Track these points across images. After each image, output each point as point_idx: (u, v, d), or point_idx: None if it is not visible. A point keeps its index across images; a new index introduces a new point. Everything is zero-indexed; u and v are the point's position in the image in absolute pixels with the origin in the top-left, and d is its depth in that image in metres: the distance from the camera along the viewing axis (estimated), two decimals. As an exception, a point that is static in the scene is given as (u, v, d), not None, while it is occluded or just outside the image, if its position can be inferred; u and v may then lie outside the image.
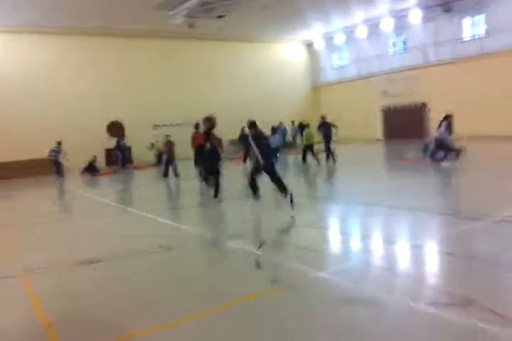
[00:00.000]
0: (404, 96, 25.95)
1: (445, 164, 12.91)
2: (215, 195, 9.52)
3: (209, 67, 27.62)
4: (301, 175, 15.10)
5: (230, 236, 6.45)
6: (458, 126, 23.47)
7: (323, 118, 18.15)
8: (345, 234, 6.54)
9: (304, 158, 16.70)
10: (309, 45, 31.83)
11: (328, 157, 16.37)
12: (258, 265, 5.08)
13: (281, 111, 29.46)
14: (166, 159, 16.20)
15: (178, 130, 24.69)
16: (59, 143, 19.30)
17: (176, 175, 15.51)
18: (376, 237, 6.27)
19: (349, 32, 28.23)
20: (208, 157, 10.23)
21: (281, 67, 30.62)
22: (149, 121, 24.91)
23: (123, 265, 5.52)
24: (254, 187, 8.54)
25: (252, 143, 8.48)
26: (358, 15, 25.99)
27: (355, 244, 5.96)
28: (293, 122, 26.68)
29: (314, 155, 16.17)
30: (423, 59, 25.14)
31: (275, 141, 18.96)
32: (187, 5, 20.13)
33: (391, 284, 4.31)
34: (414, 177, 11.84)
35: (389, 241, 5.85)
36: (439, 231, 6.25)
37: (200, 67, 27.25)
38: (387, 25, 26.14)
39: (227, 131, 26.32)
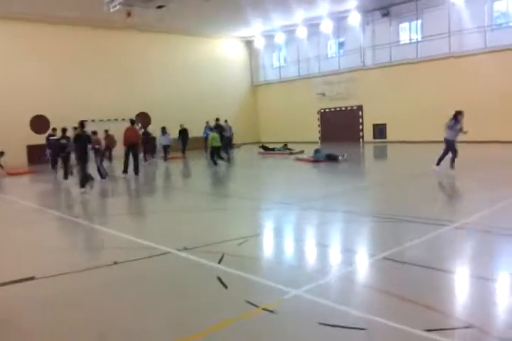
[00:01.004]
0: (341, 99, 26.26)
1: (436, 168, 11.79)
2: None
3: (146, 59, 26.37)
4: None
5: (182, 248, 5.73)
6: (390, 131, 24.38)
7: (217, 120, 19.83)
8: (305, 243, 6.08)
9: (213, 159, 16.64)
10: (249, 43, 31.39)
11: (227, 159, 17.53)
12: (225, 284, 4.45)
13: (219, 108, 28.77)
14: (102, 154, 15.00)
15: (112, 125, 23.49)
16: None
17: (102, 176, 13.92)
18: (338, 247, 5.86)
19: (289, 31, 28.12)
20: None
21: (220, 63, 29.91)
22: (80, 116, 23.16)
23: (64, 285, 4.68)
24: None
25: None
26: (298, 15, 25.89)
27: (322, 256, 5.52)
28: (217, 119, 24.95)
29: (218, 157, 16.67)
30: (361, 62, 25.54)
31: (164, 140, 21.19)
32: (125, -9, 18.83)
33: (373, 304, 3.87)
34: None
35: (352, 251, 5.46)
36: (406, 239, 5.95)
37: (136, 60, 25.95)
38: (327, 26, 26.31)
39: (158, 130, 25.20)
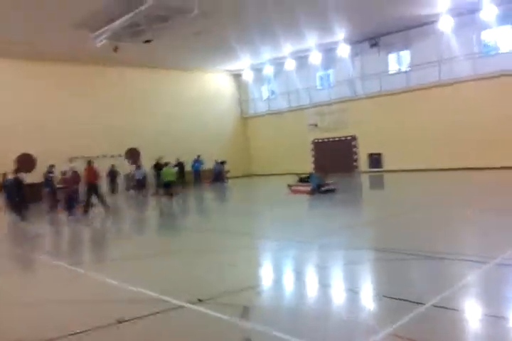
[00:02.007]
0: (333, 130, 25.99)
1: None
2: None
3: (134, 94, 25.97)
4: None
5: (196, 300, 4.92)
6: (386, 160, 24.03)
7: (157, 160, 21.41)
8: (335, 289, 5.32)
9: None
10: (238, 76, 31.30)
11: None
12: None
13: (209, 141, 28.39)
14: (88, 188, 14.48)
15: (102, 161, 22.83)
16: None
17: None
18: (374, 292, 5.09)
19: (278, 64, 28.12)
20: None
21: (210, 96, 29.69)
22: (69, 153, 22.44)
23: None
24: None
25: None
26: (287, 48, 25.91)
27: (362, 306, 4.75)
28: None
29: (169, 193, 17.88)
30: (351, 92, 25.45)
31: (139, 174, 22.55)
32: (113, 26, 18.50)
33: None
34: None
35: (395, 297, 4.71)
36: (449, 281, 5.24)
37: (124, 95, 25.56)
38: (316, 58, 26.35)
39: (148, 165, 24.53)
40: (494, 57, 20.44)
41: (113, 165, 23.45)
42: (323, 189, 15.40)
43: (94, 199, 14.66)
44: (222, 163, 25.95)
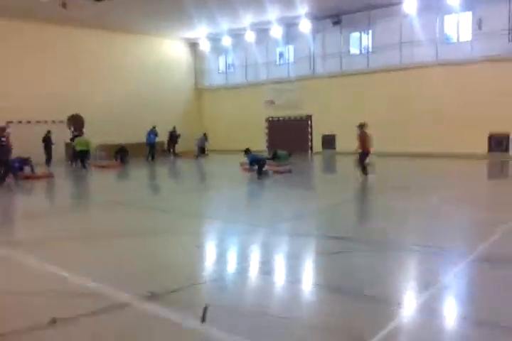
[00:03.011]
0: (289, 108, 25.46)
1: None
2: None
3: (80, 57, 24.07)
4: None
5: (147, 293, 4.28)
6: (340, 141, 23.91)
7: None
8: (315, 287, 4.85)
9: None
10: (194, 45, 29.92)
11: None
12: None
13: (161, 111, 27.14)
14: None
15: (42, 127, 21.36)
16: None
17: None
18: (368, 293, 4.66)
19: (237, 35, 27.01)
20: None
21: (163, 64, 28.13)
22: (4, 117, 20.61)
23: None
24: None
25: None
26: (247, 19, 24.85)
27: (359, 309, 4.30)
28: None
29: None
30: (310, 70, 24.93)
31: None
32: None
33: None
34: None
35: (391, 295, 4.29)
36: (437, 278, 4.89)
37: (70, 57, 23.59)
38: (276, 32, 25.49)
39: (95, 135, 23.21)
40: (455, 44, 20.42)
41: (48, 131, 20.85)
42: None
43: None
44: (205, 135, 25.55)
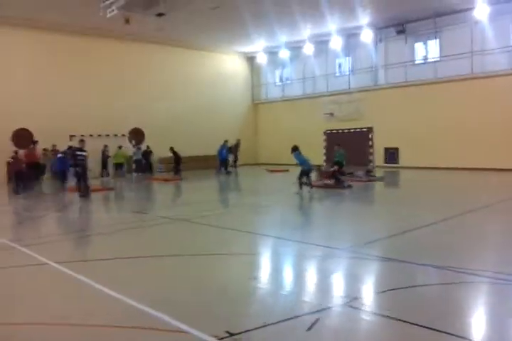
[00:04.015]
0: (349, 120, 24.55)
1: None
2: None
3: (141, 72, 24.47)
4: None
5: (224, 333, 3.67)
6: (403, 155, 22.73)
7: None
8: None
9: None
10: (251, 59, 29.79)
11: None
12: None
13: (217, 125, 27.09)
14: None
15: (107, 141, 21.77)
16: None
17: None
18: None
19: (295, 48, 26.58)
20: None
21: (220, 79, 28.17)
22: (70, 131, 21.09)
23: None
24: None
25: None
26: (305, 31, 24.42)
27: None
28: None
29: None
30: (372, 81, 23.99)
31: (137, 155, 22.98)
32: (125, -6, 17.08)
33: None
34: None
35: None
36: None
37: (131, 72, 24.00)
38: (336, 43, 24.83)
39: (156, 147, 23.47)
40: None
41: (105, 146, 21.72)
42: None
43: None
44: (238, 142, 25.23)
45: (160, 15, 20.18)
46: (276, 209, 10.97)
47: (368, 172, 16.00)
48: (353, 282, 5.18)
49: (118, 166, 21.68)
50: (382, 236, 7.37)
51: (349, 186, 14.45)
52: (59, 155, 15.86)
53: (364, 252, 6.31)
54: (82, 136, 19.86)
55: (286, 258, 6.46)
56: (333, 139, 25.46)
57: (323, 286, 5.04)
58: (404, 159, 22.54)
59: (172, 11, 19.70)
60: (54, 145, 20.26)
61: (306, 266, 5.97)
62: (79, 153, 12.98)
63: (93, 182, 15.64)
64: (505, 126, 18.88)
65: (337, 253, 6.35)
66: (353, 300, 4.37)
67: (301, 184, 13.22)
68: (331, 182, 14.86)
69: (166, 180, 19.72)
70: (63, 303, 4.61)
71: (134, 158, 22.88)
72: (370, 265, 5.82)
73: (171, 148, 21.75)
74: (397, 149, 22.95)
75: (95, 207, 12.34)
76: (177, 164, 21.69)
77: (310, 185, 13.40)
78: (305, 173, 13.37)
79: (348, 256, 6.20)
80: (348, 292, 4.76)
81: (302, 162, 13.40)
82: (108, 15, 18.96)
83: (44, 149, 20.38)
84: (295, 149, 13.52)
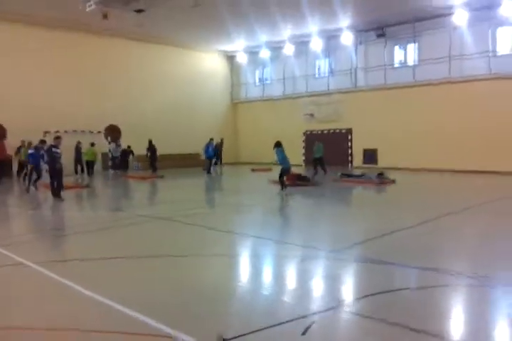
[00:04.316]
0: (328, 121, 24.66)
1: None
2: None
3: (119, 67, 24.03)
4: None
5: (218, 338, 3.51)
6: (381, 156, 22.92)
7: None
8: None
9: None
10: (231, 58, 29.62)
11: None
12: None
13: (195, 124, 26.86)
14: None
15: (83, 137, 21.26)
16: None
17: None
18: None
19: (275, 48, 26.54)
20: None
21: (199, 77, 27.92)
22: (47, 127, 20.52)
23: None
24: None
25: None
26: (286, 32, 24.42)
27: None
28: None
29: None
30: (351, 83, 24.14)
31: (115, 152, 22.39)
32: (103, -11, 16.69)
33: None
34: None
35: None
36: None
37: (108, 68, 23.54)
38: (316, 45, 24.89)
39: (133, 144, 23.09)
40: (509, 57, 19.31)
41: (78, 142, 20.67)
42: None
43: None
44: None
45: (139, 11, 19.84)
46: (258, 209, 10.84)
47: (380, 175, 15.81)
48: (339, 285, 5.09)
49: (89, 163, 20.88)
50: (362, 238, 7.32)
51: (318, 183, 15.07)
52: (30, 150, 15.22)
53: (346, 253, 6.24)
54: (57, 132, 19.47)
55: (272, 259, 6.33)
56: (313, 140, 25.54)
57: (309, 289, 4.94)
58: (382, 160, 22.73)
59: (152, 7, 19.43)
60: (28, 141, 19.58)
61: (288, 268, 5.87)
62: (54, 149, 12.47)
63: (68, 180, 15.21)
64: (483, 130, 19.22)
65: (322, 255, 6.26)
66: (341, 303, 4.28)
67: (282, 183, 13.11)
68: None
69: (143, 178, 19.37)
70: (39, 305, 4.38)
71: (113, 154, 22.40)
72: (349, 267, 5.75)
73: (150, 141, 21.77)
74: (375, 150, 23.14)
75: (69, 205, 11.96)
76: (153, 158, 21.49)
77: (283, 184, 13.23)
78: (285, 172, 13.23)
79: (333, 258, 6.11)
80: (335, 295, 4.67)
81: (282, 159, 13.12)
82: (87, 10, 18.57)
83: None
84: (278, 145, 13.32)
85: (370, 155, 23.26)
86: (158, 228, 8.59)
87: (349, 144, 24.14)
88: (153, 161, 21.89)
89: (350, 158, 24.20)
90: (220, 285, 4.98)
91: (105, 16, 19.33)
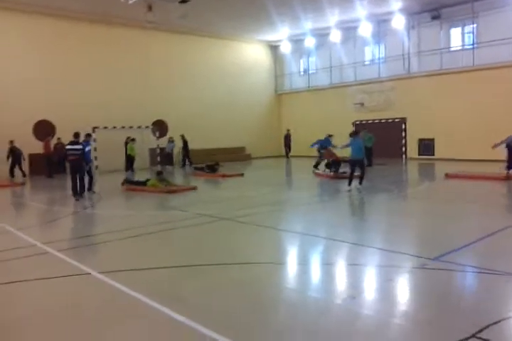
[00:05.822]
0: (381, 110, 23.54)
1: None
2: None
3: (163, 61, 23.74)
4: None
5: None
6: (439, 147, 21.64)
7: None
8: None
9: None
10: (274, 48, 28.82)
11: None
12: None
13: (238, 116, 26.39)
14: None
15: (127, 133, 21.12)
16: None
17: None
18: None
19: (321, 35, 25.53)
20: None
21: (242, 68, 27.35)
22: (90, 122, 20.45)
23: None
24: None
25: None
26: (332, 17, 23.35)
27: None
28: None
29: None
30: (404, 69, 22.90)
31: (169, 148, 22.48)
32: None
33: None
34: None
35: None
36: None
37: (152, 62, 23.30)
38: (365, 30, 23.72)
39: (178, 140, 22.82)
40: None
41: (128, 138, 20.55)
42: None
43: None
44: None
45: (183, 1, 19.44)
46: (330, 206, 10.13)
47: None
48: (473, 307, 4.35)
49: (129, 159, 20.20)
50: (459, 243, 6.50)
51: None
52: (87, 147, 14.57)
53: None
54: (106, 128, 19.49)
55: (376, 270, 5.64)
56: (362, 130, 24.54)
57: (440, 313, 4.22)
58: (439, 151, 21.50)
59: (195, -3, 18.96)
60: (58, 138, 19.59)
61: (393, 281, 5.16)
62: (69, 147, 11.92)
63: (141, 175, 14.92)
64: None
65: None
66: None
67: (350, 179, 11.96)
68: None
69: (224, 176, 16.68)
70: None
71: (167, 150, 22.53)
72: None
73: (182, 136, 22.30)
74: (432, 140, 21.89)
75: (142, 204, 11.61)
76: (186, 152, 22.35)
77: (360, 179, 11.93)
78: (353, 164, 12.01)
79: (439, 268, 5.36)
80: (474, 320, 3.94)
81: (358, 150, 11.67)
82: (130, 2, 18.29)
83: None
84: (356, 133, 12.55)
85: (427, 146, 22.02)
86: (227, 229, 8.04)
87: (403, 134, 22.96)
88: (187, 155, 22.57)
89: (404, 149, 23.03)
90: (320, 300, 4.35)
91: (150, 8, 19.06)
